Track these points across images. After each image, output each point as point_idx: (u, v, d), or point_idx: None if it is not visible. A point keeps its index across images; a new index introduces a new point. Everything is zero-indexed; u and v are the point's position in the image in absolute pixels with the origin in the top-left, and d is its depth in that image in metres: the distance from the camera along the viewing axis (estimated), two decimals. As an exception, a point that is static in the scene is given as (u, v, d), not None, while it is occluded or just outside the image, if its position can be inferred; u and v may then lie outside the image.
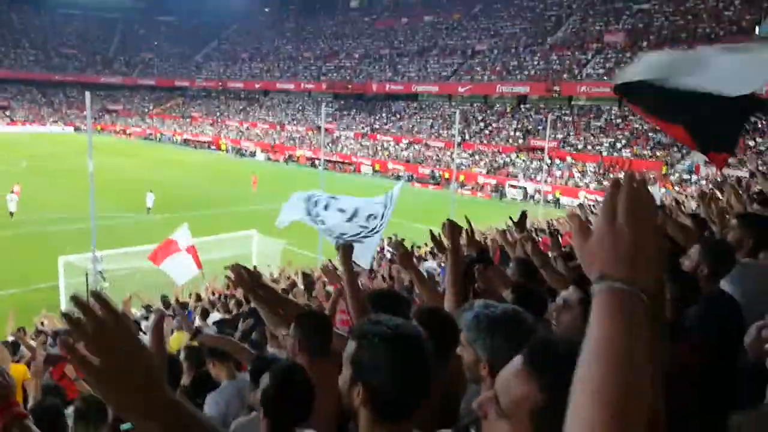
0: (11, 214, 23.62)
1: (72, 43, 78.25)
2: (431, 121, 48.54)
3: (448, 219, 3.13)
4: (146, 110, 70.13)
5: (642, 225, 0.88)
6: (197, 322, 8.18)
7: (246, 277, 2.93)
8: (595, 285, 0.87)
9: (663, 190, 29.72)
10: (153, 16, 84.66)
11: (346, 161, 46.18)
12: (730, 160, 30.39)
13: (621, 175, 0.95)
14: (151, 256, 11.80)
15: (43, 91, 70.94)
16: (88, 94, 14.10)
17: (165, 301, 10.53)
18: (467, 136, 43.57)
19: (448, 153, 40.82)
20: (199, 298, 10.49)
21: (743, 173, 27.29)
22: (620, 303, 0.83)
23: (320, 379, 2.48)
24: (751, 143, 32.41)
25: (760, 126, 33.68)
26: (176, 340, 6.71)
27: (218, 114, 63.99)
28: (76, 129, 61.18)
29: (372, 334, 1.33)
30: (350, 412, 1.43)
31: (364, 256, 6.35)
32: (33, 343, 6.81)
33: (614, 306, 0.83)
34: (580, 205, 12.81)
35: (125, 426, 2.37)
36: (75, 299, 0.92)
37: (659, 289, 1.01)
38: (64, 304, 13.83)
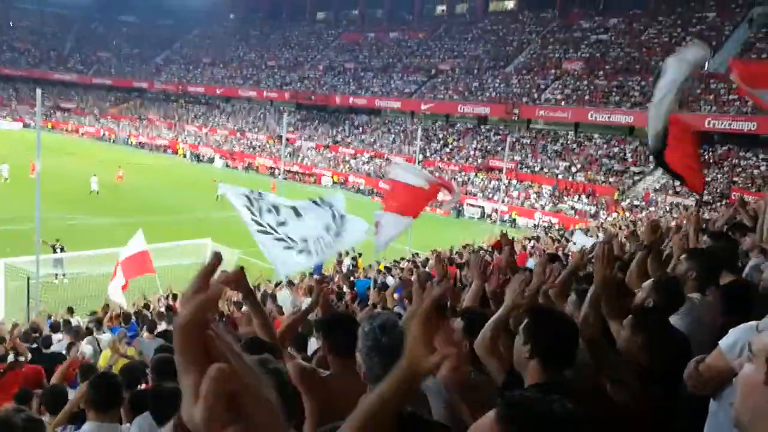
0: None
1: (26, 38, 75.42)
2: (393, 136, 48.85)
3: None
4: (101, 110, 68.13)
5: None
6: (144, 334, 7.89)
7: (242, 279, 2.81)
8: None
9: (613, 215, 30.69)
10: (113, 15, 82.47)
11: (307, 172, 45.91)
12: (678, 189, 31.62)
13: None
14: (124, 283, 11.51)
15: (-9, 85, 68.10)
16: (38, 90, 13.60)
17: (97, 319, 9.98)
18: (428, 153, 44.01)
19: (409, 169, 41.06)
20: (147, 306, 10.13)
21: (690, 201, 28.42)
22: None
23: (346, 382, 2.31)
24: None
25: (706, 158, 35.24)
26: (104, 357, 6.43)
27: (177, 118, 62.70)
28: (25, 125, 58.78)
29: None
30: None
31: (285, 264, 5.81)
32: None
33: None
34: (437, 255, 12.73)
35: None
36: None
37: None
38: (2, 310, 13.17)
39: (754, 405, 0.98)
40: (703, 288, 3.41)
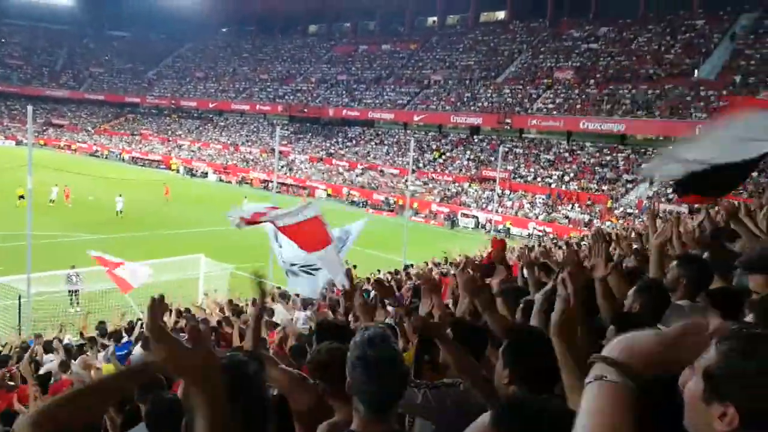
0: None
1: (17, 54, 75.45)
2: (387, 147, 48.98)
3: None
4: (94, 126, 68.05)
5: None
6: (137, 350, 7.83)
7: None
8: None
9: (606, 223, 30.74)
10: (104, 30, 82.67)
11: (301, 185, 45.93)
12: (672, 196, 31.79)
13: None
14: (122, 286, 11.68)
15: (-17, 102, 67.97)
16: (29, 107, 13.63)
17: (102, 329, 10.01)
18: (421, 164, 44.12)
19: (403, 180, 41.19)
20: (133, 325, 10.06)
21: (682, 208, 28.53)
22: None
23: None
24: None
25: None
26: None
27: (170, 132, 62.68)
28: (18, 143, 58.62)
29: None
30: None
31: (310, 287, 6.41)
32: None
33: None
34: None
35: None
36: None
37: None
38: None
39: (695, 421, 0.98)
40: (694, 295, 3.39)
